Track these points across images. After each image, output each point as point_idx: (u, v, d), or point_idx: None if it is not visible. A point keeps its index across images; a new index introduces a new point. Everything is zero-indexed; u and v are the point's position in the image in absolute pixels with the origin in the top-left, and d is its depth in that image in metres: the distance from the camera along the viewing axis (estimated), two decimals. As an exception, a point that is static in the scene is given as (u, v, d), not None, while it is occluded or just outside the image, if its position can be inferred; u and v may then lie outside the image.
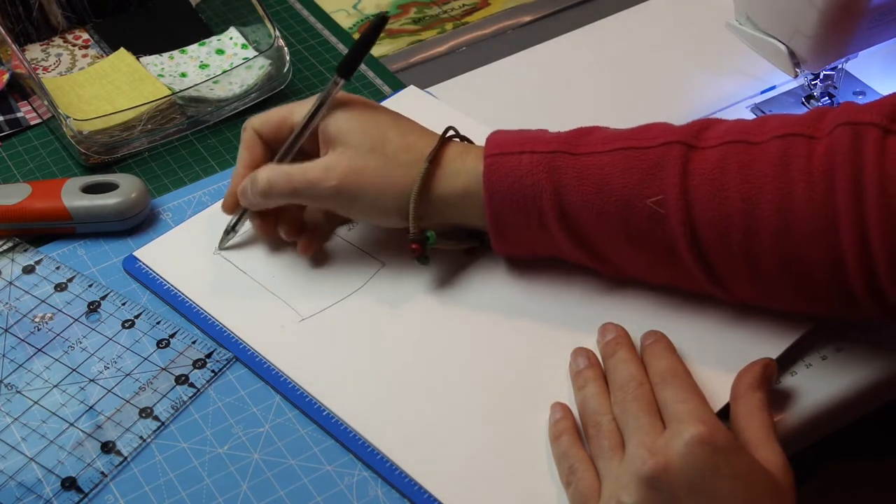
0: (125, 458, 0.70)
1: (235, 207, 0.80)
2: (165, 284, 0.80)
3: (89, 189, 0.83)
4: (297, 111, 0.78)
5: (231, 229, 0.81)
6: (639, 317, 0.75)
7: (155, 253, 0.82)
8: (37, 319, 0.78)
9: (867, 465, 0.92)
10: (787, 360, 0.74)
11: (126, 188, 0.83)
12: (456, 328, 0.76)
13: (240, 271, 0.80)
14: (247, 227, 0.82)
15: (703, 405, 0.65)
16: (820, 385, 0.73)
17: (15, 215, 0.82)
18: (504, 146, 0.74)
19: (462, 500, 0.67)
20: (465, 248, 0.79)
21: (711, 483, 0.61)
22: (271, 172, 0.76)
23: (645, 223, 0.70)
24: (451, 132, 0.77)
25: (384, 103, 0.86)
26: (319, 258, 0.81)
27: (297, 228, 0.81)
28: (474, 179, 0.74)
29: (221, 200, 0.82)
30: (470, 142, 0.79)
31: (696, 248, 0.70)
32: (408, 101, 0.91)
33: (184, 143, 0.92)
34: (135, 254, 0.82)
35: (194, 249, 0.82)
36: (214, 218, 0.84)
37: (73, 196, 0.82)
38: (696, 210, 0.69)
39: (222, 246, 0.82)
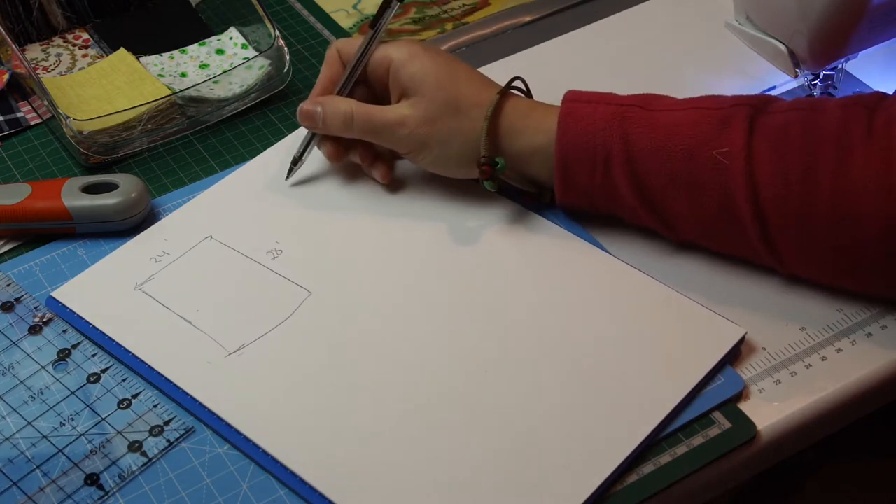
0: None
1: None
2: (90, 325, 0.76)
3: (89, 189, 0.83)
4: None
5: (298, 159, 0.85)
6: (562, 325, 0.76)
7: (75, 292, 0.78)
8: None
9: (867, 465, 0.92)
10: (777, 360, 0.74)
11: (126, 188, 0.83)
12: (383, 356, 0.74)
13: (162, 307, 0.77)
14: (172, 256, 0.81)
15: None
16: (820, 385, 0.73)
17: (15, 215, 0.82)
18: (581, 97, 0.80)
19: None
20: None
21: None
22: (355, 107, 0.82)
23: (707, 171, 0.75)
24: (517, 81, 0.83)
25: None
26: (245, 288, 0.79)
27: (370, 155, 0.86)
28: (552, 133, 0.79)
29: (148, 231, 0.82)
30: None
31: (753, 201, 0.73)
32: None
33: (184, 143, 0.92)
34: (53, 295, 0.78)
35: (114, 287, 0.79)
36: (132, 254, 0.82)
37: (73, 196, 0.82)
38: (758, 163, 0.73)
39: (289, 178, 0.85)
